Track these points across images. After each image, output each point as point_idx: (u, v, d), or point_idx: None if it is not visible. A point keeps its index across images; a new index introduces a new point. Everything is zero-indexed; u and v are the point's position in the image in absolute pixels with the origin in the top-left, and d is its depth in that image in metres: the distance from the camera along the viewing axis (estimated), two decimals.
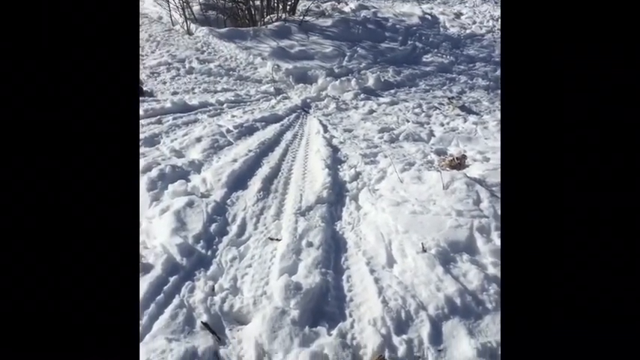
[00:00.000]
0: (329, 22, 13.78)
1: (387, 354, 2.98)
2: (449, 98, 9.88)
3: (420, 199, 4.68)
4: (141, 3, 13.18)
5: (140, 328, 3.01)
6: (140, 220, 4.38)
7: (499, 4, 17.17)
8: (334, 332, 3.14)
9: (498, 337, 3.10)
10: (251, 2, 13.86)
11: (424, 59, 13.43)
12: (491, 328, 3.20)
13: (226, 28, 12.74)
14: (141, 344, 2.88)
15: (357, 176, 5.57)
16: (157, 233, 4.11)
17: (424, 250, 3.86)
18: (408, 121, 8.21)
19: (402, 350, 2.99)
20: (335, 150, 6.49)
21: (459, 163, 5.77)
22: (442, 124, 8.09)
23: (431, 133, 7.49)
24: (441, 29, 15.01)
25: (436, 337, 3.14)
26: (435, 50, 13.80)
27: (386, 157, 6.11)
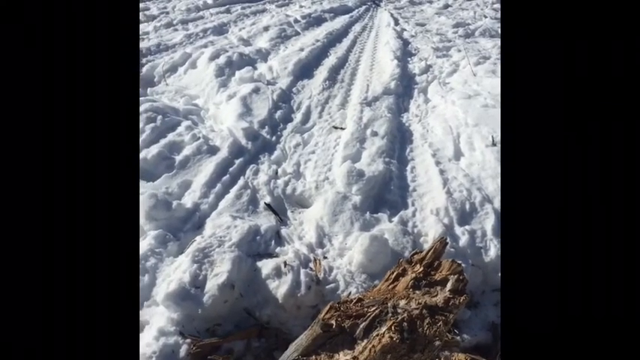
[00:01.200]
0: None
1: (448, 241, 2.91)
2: None
3: (493, 93, 4.42)
4: None
5: (207, 205, 3.07)
6: (208, 105, 4.38)
7: None
8: (395, 219, 3.09)
9: None
10: None
11: None
12: None
13: None
14: (207, 220, 2.96)
15: (427, 69, 5.31)
16: (224, 118, 4.11)
17: (494, 144, 3.67)
18: (485, 17, 7.66)
19: (464, 240, 2.91)
20: (405, 43, 6.18)
21: None
22: None
23: None
24: None
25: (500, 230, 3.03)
26: None
27: (459, 51, 5.76)
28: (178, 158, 3.43)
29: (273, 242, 2.84)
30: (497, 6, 8.39)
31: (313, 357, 1.86)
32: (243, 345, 2.38)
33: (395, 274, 2.05)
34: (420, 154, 3.80)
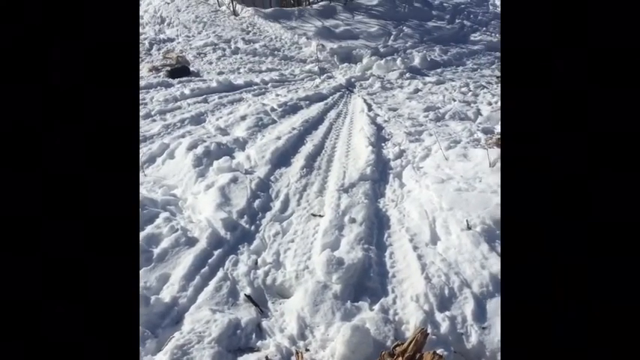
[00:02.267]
0: (374, 0, 13.57)
1: (429, 330, 2.93)
2: (497, 77, 9.60)
3: (466, 177, 4.58)
4: None
5: (185, 299, 3.06)
6: (186, 195, 4.44)
7: None
8: (376, 307, 3.11)
9: None
10: None
11: (472, 38, 13.11)
12: None
13: (271, 9, 12.74)
14: (186, 315, 2.94)
15: (401, 154, 5.49)
16: (202, 208, 4.16)
17: (469, 228, 3.77)
18: (454, 100, 8.03)
19: (444, 327, 2.93)
20: (379, 128, 6.42)
21: None
22: (490, 103, 7.88)
23: (478, 112, 7.31)
24: (490, 7, 14.58)
25: (480, 314, 3.07)
26: (484, 28, 13.43)
27: (431, 135, 6.00)
28: (156, 251, 3.44)
29: (254, 335, 2.83)
30: (465, 89, 8.81)
31: None
32: None
33: None
34: (397, 239, 3.87)
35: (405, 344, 2.11)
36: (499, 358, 2.81)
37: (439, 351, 2.50)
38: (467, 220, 3.84)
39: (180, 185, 4.64)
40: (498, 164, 4.62)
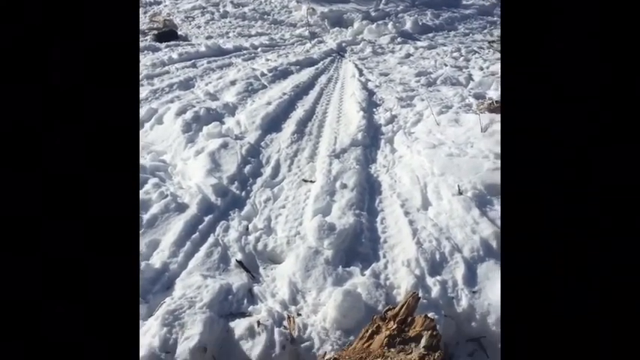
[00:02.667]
0: None
1: (420, 294, 2.94)
2: (489, 42, 9.51)
3: (457, 142, 4.56)
4: None
5: (176, 265, 3.05)
6: (175, 161, 4.40)
7: None
8: (367, 272, 3.12)
9: None
10: None
11: (464, 2, 12.93)
12: None
13: None
14: (177, 280, 2.93)
15: (392, 119, 5.45)
16: (192, 174, 4.13)
17: (460, 193, 3.77)
18: (446, 65, 7.96)
19: (435, 291, 2.95)
20: (370, 93, 6.35)
21: (498, 107, 5.57)
22: (481, 68, 7.81)
23: (469, 77, 7.25)
24: None
25: (471, 278, 3.08)
26: None
27: (423, 100, 5.94)
28: (146, 217, 3.41)
29: (245, 301, 2.83)
30: (457, 54, 8.72)
31: None
32: None
33: (369, 331, 2.07)
34: (389, 204, 3.86)
35: (397, 308, 2.12)
36: (489, 321, 2.84)
37: (430, 314, 2.51)
38: (458, 186, 3.83)
39: (169, 151, 4.59)
40: (490, 129, 4.61)
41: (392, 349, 1.94)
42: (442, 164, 4.17)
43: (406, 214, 3.68)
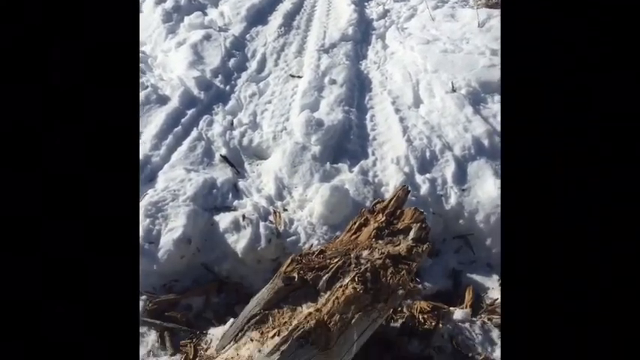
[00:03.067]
0: None
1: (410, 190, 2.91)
2: None
3: (453, 38, 4.37)
4: None
5: (158, 158, 2.96)
6: (155, 53, 4.19)
7: None
8: (356, 169, 3.06)
9: None
10: None
11: None
12: None
13: None
14: (160, 173, 2.85)
15: (385, 14, 5.19)
16: (173, 66, 3.94)
17: (454, 90, 3.65)
18: None
19: (424, 189, 2.91)
20: None
21: (496, 3, 5.32)
22: None
23: None
24: None
25: (461, 176, 3.04)
26: None
27: None
28: None
29: (230, 195, 2.78)
30: None
31: (275, 310, 1.83)
32: (202, 301, 2.35)
33: (357, 224, 2.03)
34: (379, 102, 3.75)
35: (386, 201, 2.07)
36: (477, 218, 2.83)
37: None
38: (452, 82, 3.70)
39: (148, 42, 4.35)
40: (487, 25, 4.41)
41: (380, 241, 1.91)
42: (436, 60, 4.01)
43: (397, 111, 3.57)
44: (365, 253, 1.86)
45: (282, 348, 1.73)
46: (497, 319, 2.39)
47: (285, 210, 2.75)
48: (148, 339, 2.06)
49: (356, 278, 1.73)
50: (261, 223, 2.54)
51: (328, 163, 3.06)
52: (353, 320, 1.72)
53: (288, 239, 2.54)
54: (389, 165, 3.09)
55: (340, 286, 1.76)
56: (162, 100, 3.40)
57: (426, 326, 2.27)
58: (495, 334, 2.34)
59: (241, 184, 2.91)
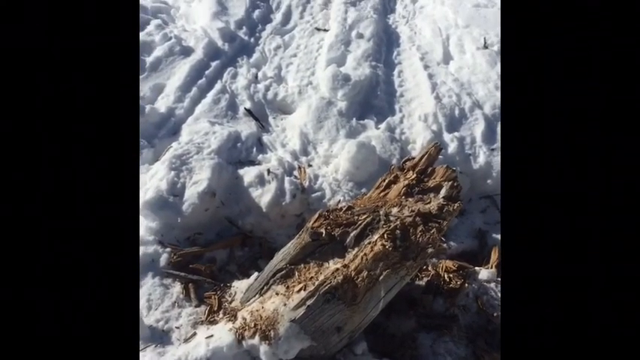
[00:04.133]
0: None
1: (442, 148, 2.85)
2: None
3: None
4: None
5: (182, 110, 2.93)
6: (178, 3, 4.11)
7: None
8: (382, 126, 3.00)
9: None
10: None
11: None
12: None
13: None
14: (183, 126, 2.83)
15: None
16: (197, 17, 3.87)
17: (485, 46, 3.54)
18: None
19: (452, 147, 2.85)
20: None
21: None
22: None
23: None
24: None
25: (490, 136, 2.97)
26: None
27: None
28: (149, 60, 3.23)
29: (254, 149, 2.75)
30: None
31: (302, 265, 1.83)
32: (226, 254, 2.35)
33: (387, 181, 1.99)
34: (407, 57, 3.66)
35: (417, 158, 2.02)
36: None
37: None
38: (484, 38, 3.58)
39: None
40: None
41: (410, 199, 1.87)
42: (467, 15, 3.88)
43: (425, 67, 3.49)
44: (394, 210, 1.82)
45: (309, 302, 1.73)
46: None
47: (310, 165, 2.71)
48: (173, 290, 2.07)
49: (385, 235, 1.70)
50: (286, 178, 2.51)
51: (354, 119, 3.01)
52: (381, 277, 1.70)
53: (312, 195, 2.52)
54: (416, 122, 3.03)
55: (369, 243, 1.73)
56: (186, 51, 3.35)
57: (451, 285, 2.25)
58: None
59: (265, 138, 2.88)
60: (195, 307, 2.03)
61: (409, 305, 2.15)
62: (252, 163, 2.65)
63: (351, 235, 1.79)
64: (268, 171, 2.51)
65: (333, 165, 2.69)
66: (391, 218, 1.79)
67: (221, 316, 1.94)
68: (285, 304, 1.77)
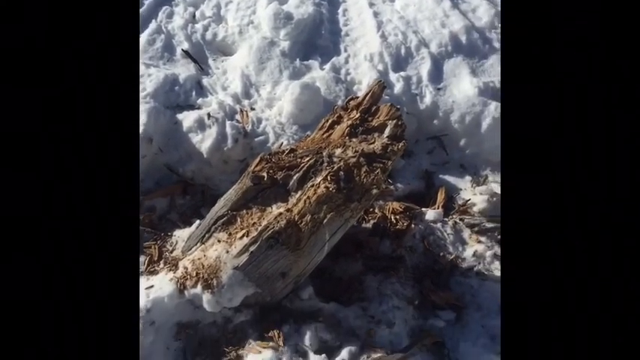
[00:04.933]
0: None
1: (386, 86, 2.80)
2: None
3: None
4: None
5: None
6: None
7: None
8: (327, 66, 2.92)
9: None
10: None
11: None
12: (496, 68, 2.99)
13: None
14: None
15: None
16: None
17: None
18: None
19: (398, 87, 2.81)
20: None
21: None
22: None
23: None
24: None
25: (436, 75, 2.94)
26: None
27: None
28: None
29: (194, 93, 2.63)
30: None
31: (244, 211, 1.77)
32: (167, 202, 2.27)
33: (330, 122, 1.93)
34: None
35: (361, 97, 1.96)
36: (452, 118, 2.76)
37: None
38: None
39: None
40: None
41: (353, 139, 1.82)
42: None
43: (371, 5, 3.39)
44: (338, 151, 1.77)
45: (252, 249, 1.69)
46: (468, 219, 2.39)
47: (252, 109, 2.62)
48: None
49: (328, 177, 1.65)
50: (228, 122, 2.42)
51: (298, 59, 2.91)
52: (325, 220, 1.67)
53: (256, 139, 2.45)
54: (362, 62, 2.97)
55: (312, 186, 1.69)
56: None
57: (398, 227, 2.26)
58: (467, 233, 2.35)
59: (205, 81, 2.76)
60: None
61: (355, 248, 2.14)
62: (192, 107, 2.54)
63: (294, 178, 1.74)
64: (209, 115, 2.42)
65: (277, 108, 2.62)
66: (334, 159, 1.74)
67: (161, 266, 1.88)
68: (227, 252, 1.72)
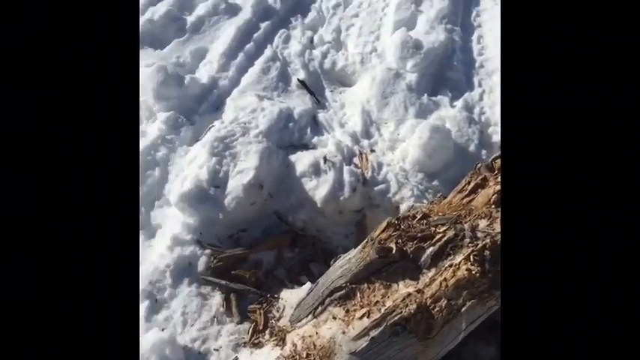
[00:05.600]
0: None
1: None
2: None
3: None
4: None
5: (227, 81, 2.75)
6: None
7: None
8: (458, 103, 2.77)
9: None
10: None
11: None
12: None
13: None
14: (227, 100, 2.66)
15: None
16: None
17: None
18: None
19: None
20: None
21: None
22: None
23: None
24: None
25: None
26: None
27: None
28: (190, 19, 3.06)
29: (308, 130, 2.56)
30: None
31: (365, 286, 1.64)
32: (274, 256, 2.19)
33: (472, 184, 1.75)
34: (489, 19, 3.38)
35: None
36: None
37: None
38: None
39: None
40: None
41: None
42: None
43: None
44: (482, 223, 1.60)
45: (373, 333, 1.54)
46: None
47: (372, 151, 2.50)
48: (212, 302, 1.92)
49: (471, 257, 1.49)
50: (345, 168, 2.31)
51: (426, 94, 2.77)
52: (463, 308, 1.51)
53: (375, 188, 2.32)
54: (498, 99, 2.76)
55: (450, 265, 1.52)
56: (233, 10, 3.15)
57: None
58: None
59: (321, 116, 2.67)
60: (238, 323, 1.89)
61: (490, 329, 1.94)
62: (306, 147, 2.45)
63: (427, 252, 1.58)
64: (325, 159, 2.31)
65: (400, 151, 2.48)
66: (478, 234, 1.57)
67: (267, 337, 1.79)
68: (343, 332, 1.59)
